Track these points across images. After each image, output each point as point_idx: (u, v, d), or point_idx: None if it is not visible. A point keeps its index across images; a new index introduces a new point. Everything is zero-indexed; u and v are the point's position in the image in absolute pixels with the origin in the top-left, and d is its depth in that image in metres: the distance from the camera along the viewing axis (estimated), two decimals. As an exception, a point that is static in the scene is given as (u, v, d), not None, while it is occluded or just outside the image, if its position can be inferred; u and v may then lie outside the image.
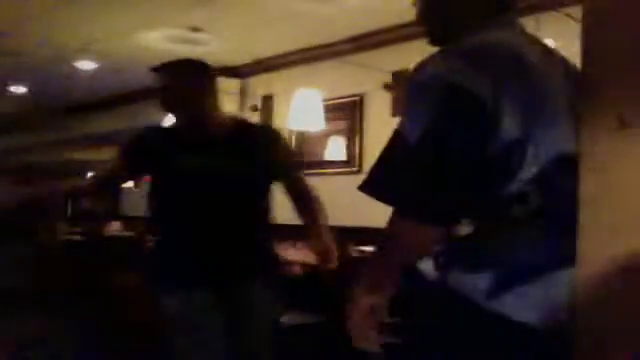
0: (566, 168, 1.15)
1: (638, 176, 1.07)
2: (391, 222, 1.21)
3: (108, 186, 2.56)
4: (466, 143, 1.14)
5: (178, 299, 2.21)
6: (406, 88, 1.25)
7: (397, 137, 1.21)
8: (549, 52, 1.29)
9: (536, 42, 1.30)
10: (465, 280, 1.19)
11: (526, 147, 1.15)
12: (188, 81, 2.26)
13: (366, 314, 1.25)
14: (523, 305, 1.17)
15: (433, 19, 1.38)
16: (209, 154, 2.23)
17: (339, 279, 2.42)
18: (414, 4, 1.39)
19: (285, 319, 3.04)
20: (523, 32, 1.30)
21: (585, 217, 1.13)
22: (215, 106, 2.30)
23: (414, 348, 1.27)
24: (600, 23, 1.14)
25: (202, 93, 2.26)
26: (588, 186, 1.13)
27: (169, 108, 2.33)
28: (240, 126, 2.37)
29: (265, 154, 2.29)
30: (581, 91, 1.16)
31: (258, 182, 2.32)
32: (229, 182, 2.23)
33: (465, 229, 1.19)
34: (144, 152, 2.33)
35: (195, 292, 2.20)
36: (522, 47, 1.22)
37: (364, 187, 1.23)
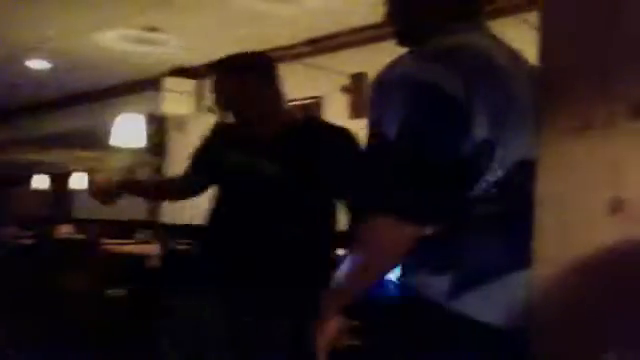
0: (530, 171, 1.17)
1: (593, 176, 1.10)
2: (369, 225, 1.19)
3: (181, 192, 2.43)
4: (442, 140, 1.14)
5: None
6: (376, 88, 1.25)
7: (374, 138, 1.21)
8: (515, 55, 1.32)
9: (503, 45, 1.32)
10: (428, 281, 1.20)
11: (494, 149, 1.17)
12: (235, 77, 2.12)
13: (334, 333, 1.24)
14: (486, 305, 1.18)
15: (403, 20, 1.39)
16: (252, 154, 2.11)
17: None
18: (384, 4, 1.39)
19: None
20: (491, 35, 1.33)
21: (541, 216, 1.16)
22: (272, 103, 2.14)
23: (376, 351, 1.27)
24: (558, 28, 1.18)
25: (248, 89, 2.10)
26: (544, 186, 1.16)
27: (219, 106, 2.20)
28: (302, 126, 2.20)
29: (327, 157, 2.06)
30: (540, 93, 1.20)
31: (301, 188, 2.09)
32: (266, 184, 2.07)
33: (429, 230, 1.19)
34: (204, 151, 2.25)
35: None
36: (491, 49, 1.25)
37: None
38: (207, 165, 2.26)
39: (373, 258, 1.20)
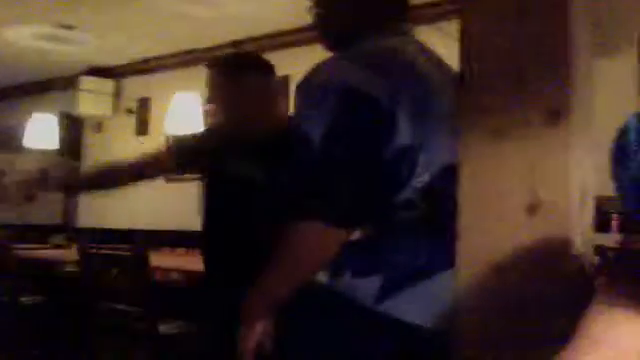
0: (453, 176, 1.21)
1: (511, 179, 1.15)
2: (296, 228, 1.19)
3: (147, 173, 2.25)
4: (368, 145, 1.16)
5: None
6: (301, 91, 1.25)
7: (300, 140, 1.21)
8: (438, 61, 1.35)
9: (427, 51, 1.35)
10: (355, 284, 1.21)
11: (418, 154, 1.19)
12: (234, 76, 2.02)
13: (260, 337, 1.24)
14: (412, 306, 1.21)
15: (330, 25, 1.40)
16: (250, 157, 2.04)
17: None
18: (311, 10, 1.40)
19: (163, 328, 2.95)
20: (415, 41, 1.36)
21: (463, 220, 1.21)
22: (267, 107, 2.05)
23: (301, 356, 1.28)
24: (476, 39, 1.22)
25: (247, 89, 2.01)
26: (465, 189, 1.21)
27: (214, 106, 2.12)
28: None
29: None
30: (459, 101, 1.24)
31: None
32: (253, 191, 1.99)
33: (356, 233, 1.21)
34: (197, 149, 2.15)
35: None
36: (415, 55, 1.28)
37: None
38: (196, 162, 2.18)
39: (300, 261, 1.20)
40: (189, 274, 3.09)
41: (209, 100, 2.13)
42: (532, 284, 1.14)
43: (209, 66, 2.12)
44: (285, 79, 4.99)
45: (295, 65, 4.83)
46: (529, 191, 1.13)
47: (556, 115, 1.11)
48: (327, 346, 1.22)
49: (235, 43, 4.93)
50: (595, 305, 0.85)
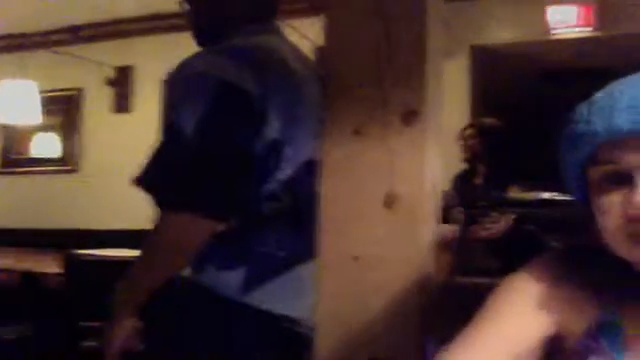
0: (316, 170, 1.26)
1: (370, 175, 1.22)
2: (163, 219, 1.17)
3: None
4: (237, 138, 1.16)
5: None
6: (172, 84, 1.24)
7: (171, 132, 1.19)
8: (306, 59, 1.39)
9: (295, 48, 1.38)
10: (219, 277, 1.22)
11: (285, 148, 1.23)
12: None
13: (127, 334, 1.20)
14: (277, 297, 1.24)
15: (201, 19, 1.39)
16: None
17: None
18: (181, 4, 1.38)
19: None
20: (284, 38, 1.39)
21: (323, 214, 1.26)
22: None
23: (166, 351, 1.26)
24: (337, 39, 1.28)
25: None
26: (326, 184, 1.26)
27: None
28: None
29: None
30: (323, 97, 1.29)
31: None
32: None
33: (221, 226, 1.22)
34: None
35: None
36: (284, 52, 1.30)
37: (138, 181, 1.19)
38: None
39: (168, 254, 1.19)
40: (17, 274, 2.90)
41: None
42: (388, 273, 1.22)
43: None
44: (127, 69, 4.82)
45: (139, 55, 4.71)
46: (387, 186, 1.21)
47: (412, 115, 1.19)
48: (193, 340, 1.22)
49: (73, 29, 4.67)
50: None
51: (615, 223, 0.76)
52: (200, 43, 1.38)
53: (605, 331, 0.82)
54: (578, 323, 0.84)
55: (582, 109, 0.79)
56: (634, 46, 4.21)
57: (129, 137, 4.49)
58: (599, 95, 0.78)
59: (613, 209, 0.76)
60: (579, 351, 0.83)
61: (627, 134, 0.72)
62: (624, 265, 0.78)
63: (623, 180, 0.75)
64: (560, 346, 0.86)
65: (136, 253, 1.28)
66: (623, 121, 0.72)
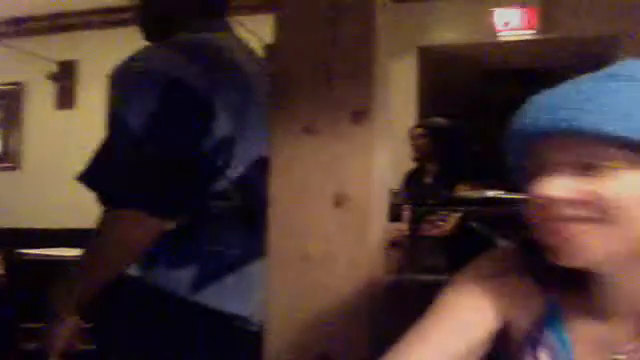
0: (266, 168, 1.26)
1: (319, 173, 1.23)
2: (109, 217, 1.15)
3: None
4: (186, 135, 1.15)
5: None
6: (118, 79, 1.21)
7: (117, 128, 1.17)
8: (255, 56, 1.38)
9: (244, 45, 1.37)
10: (169, 275, 1.21)
11: (234, 146, 1.22)
12: None
13: (68, 335, 1.18)
14: (227, 295, 1.23)
15: (150, 15, 1.38)
16: None
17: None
18: None
19: None
20: (234, 36, 1.38)
21: (273, 213, 1.26)
22: None
23: (115, 351, 1.24)
24: (287, 38, 1.28)
25: None
26: (276, 182, 1.26)
27: None
28: None
29: None
30: (271, 96, 1.29)
31: None
32: None
33: (171, 224, 1.20)
34: None
35: None
36: (233, 49, 1.29)
37: (83, 178, 1.16)
38: None
39: (115, 252, 1.16)
40: None
41: None
42: (337, 271, 1.22)
43: None
44: (71, 64, 4.70)
45: (83, 50, 4.61)
46: (336, 185, 1.21)
47: (361, 114, 1.20)
48: (143, 340, 1.20)
49: (15, 21, 4.53)
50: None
51: (531, 213, 0.80)
52: (148, 38, 1.36)
53: (549, 323, 0.85)
54: (524, 316, 0.88)
55: (522, 109, 0.83)
56: (575, 49, 4.35)
57: (73, 134, 4.39)
58: (536, 96, 0.82)
59: (531, 200, 0.79)
60: (525, 343, 0.86)
61: (545, 131, 0.76)
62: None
63: (543, 173, 0.78)
64: (507, 339, 0.88)
65: (80, 252, 1.25)
66: (542, 120, 0.76)
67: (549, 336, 0.85)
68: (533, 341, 0.86)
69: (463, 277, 0.93)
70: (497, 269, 0.92)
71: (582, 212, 0.73)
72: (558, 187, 0.74)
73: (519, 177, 0.87)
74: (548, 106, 0.77)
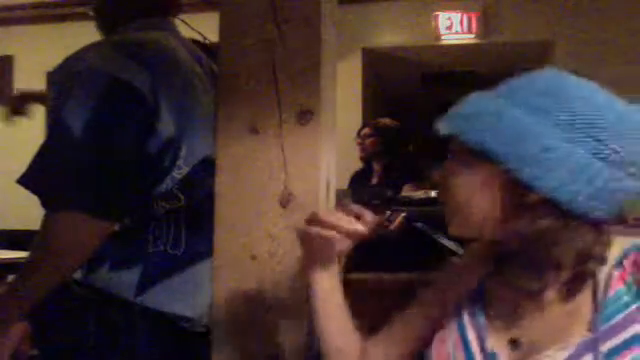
0: (212, 168, 1.25)
1: (265, 174, 1.23)
2: (52, 220, 1.12)
3: None
4: (129, 135, 1.12)
5: None
6: (59, 77, 1.17)
7: (58, 129, 1.13)
8: (200, 57, 1.37)
9: (189, 45, 1.35)
10: (113, 278, 1.18)
11: (180, 146, 1.19)
12: None
13: (16, 341, 1.14)
14: (173, 297, 1.21)
15: (102, 11, 1.37)
16: None
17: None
18: None
19: None
20: (178, 35, 1.35)
21: (220, 212, 1.25)
22: None
23: (59, 356, 1.20)
24: (234, 39, 1.27)
25: None
26: (221, 182, 1.25)
27: None
28: None
29: None
30: (217, 98, 1.28)
31: None
32: None
33: (112, 227, 1.17)
34: None
35: None
36: (177, 49, 1.27)
37: (24, 180, 1.12)
38: None
39: (60, 255, 1.12)
40: None
41: None
42: (284, 270, 1.23)
43: None
44: (6, 60, 4.55)
45: (20, 45, 4.46)
46: (282, 184, 1.22)
47: (307, 115, 1.21)
48: (87, 344, 1.17)
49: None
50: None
51: None
52: (101, 33, 1.34)
53: (476, 304, 0.92)
54: (463, 302, 0.94)
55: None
56: (512, 53, 4.48)
57: (10, 133, 4.25)
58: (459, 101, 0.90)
59: None
60: (457, 324, 0.92)
61: (451, 135, 0.87)
62: (491, 246, 0.89)
63: None
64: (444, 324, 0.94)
65: (23, 255, 1.21)
66: (451, 125, 0.86)
67: (475, 315, 0.91)
68: (461, 323, 0.92)
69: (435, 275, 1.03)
70: (450, 269, 1.01)
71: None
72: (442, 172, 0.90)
73: None
74: (455, 114, 0.87)
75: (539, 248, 0.80)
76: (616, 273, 0.82)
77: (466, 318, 0.91)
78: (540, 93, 0.82)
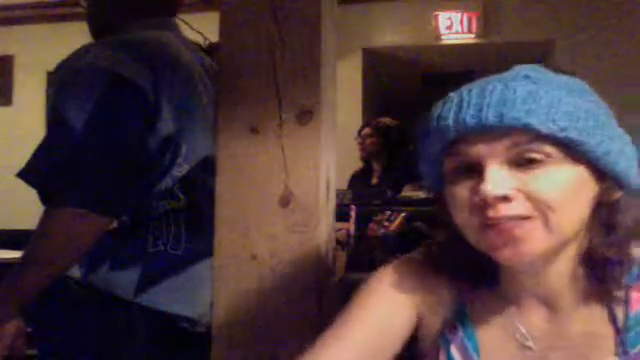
0: (212, 167, 1.25)
1: (266, 174, 1.22)
2: (50, 215, 1.11)
3: None
4: (130, 133, 1.13)
5: None
6: (62, 75, 1.18)
7: (59, 125, 1.13)
8: (202, 56, 1.37)
9: (190, 45, 1.36)
10: (113, 277, 1.18)
11: (180, 145, 1.20)
12: None
13: (11, 339, 1.13)
14: (173, 297, 1.22)
15: (97, 12, 1.36)
16: None
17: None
18: None
19: None
20: (180, 35, 1.36)
21: (220, 211, 1.25)
22: None
23: (59, 355, 1.20)
24: (233, 38, 1.27)
25: None
26: (222, 182, 1.25)
27: None
28: None
29: None
30: (218, 96, 1.28)
31: None
32: None
33: (110, 223, 1.17)
34: None
35: None
36: (179, 48, 1.28)
37: (23, 174, 1.12)
38: None
39: (54, 251, 1.12)
40: None
41: None
42: (284, 271, 1.23)
43: None
44: (7, 59, 4.55)
45: (21, 44, 4.46)
46: (282, 185, 1.22)
47: (307, 115, 1.21)
48: (87, 343, 1.17)
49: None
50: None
51: (464, 213, 0.79)
52: (94, 35, 1.34)
53: (459, 320, 0.87)
54: (437, 313, 0.90)
55: (436, 107, 0.83)
56: (512, 53, 4.48)
57: (10, 131, 4.26)
58: (451, 94, 0.83)
59: (462, 200, 0.79)
60: (439, 340, 0.87)
61: (472, 129, 0.76)
62: (479, 255, 0.81)
63: (471, 172, 0.78)
64: (422, 337, 0.90)
65: (18, 254, 1.21)
66: (469, 117, 0.76)
67: (461, 334, 0.86)
68: (446, 339, 0.87)
69: (382, 274, 0.95)
70: (416, 266, 0.94)
71: (524, 209, 0.74)
72: (500, 185, 0.74)
73: (433, 179, 0.88)
74: (473, 104, 0.77)
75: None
76: (634, 294, 0.78)
77: (454, 350, 0.86)
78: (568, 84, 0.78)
